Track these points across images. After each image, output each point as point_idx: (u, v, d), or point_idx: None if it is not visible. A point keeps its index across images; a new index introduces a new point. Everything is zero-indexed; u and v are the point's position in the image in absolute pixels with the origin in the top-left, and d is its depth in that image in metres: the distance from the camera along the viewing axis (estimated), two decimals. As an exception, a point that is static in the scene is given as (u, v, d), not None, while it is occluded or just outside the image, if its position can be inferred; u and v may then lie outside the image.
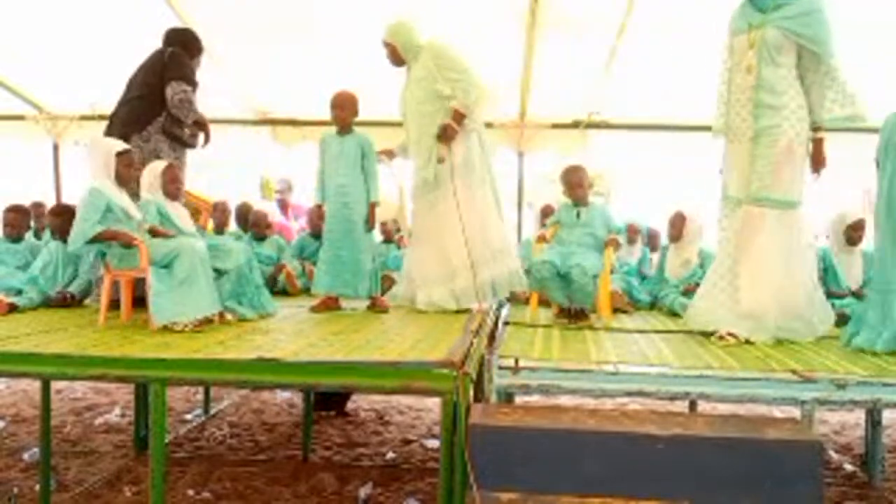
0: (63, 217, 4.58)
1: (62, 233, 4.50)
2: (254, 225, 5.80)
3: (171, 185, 3.93)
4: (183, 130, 4.34)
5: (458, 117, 4.28)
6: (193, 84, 4.34)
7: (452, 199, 4.30)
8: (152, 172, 3.92)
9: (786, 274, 3.55)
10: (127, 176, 3.64)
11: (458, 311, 4.33)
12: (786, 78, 3.52)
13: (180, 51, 4.38)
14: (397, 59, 4.42)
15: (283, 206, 7.36)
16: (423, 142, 4.37)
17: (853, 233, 4.80)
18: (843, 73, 3.52)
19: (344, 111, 4.29)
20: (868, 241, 4.92)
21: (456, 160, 4.33)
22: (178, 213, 3.97)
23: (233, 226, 6.17)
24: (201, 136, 4.47)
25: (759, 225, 3.56)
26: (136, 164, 3.79)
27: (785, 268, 3.55)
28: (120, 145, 3.69)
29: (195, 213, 5.78)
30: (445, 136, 4.28)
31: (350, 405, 5.73)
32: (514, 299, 4.98)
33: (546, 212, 5.70)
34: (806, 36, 3.45)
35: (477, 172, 4.41)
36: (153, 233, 3.70)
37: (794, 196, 3.59)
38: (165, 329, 3.36)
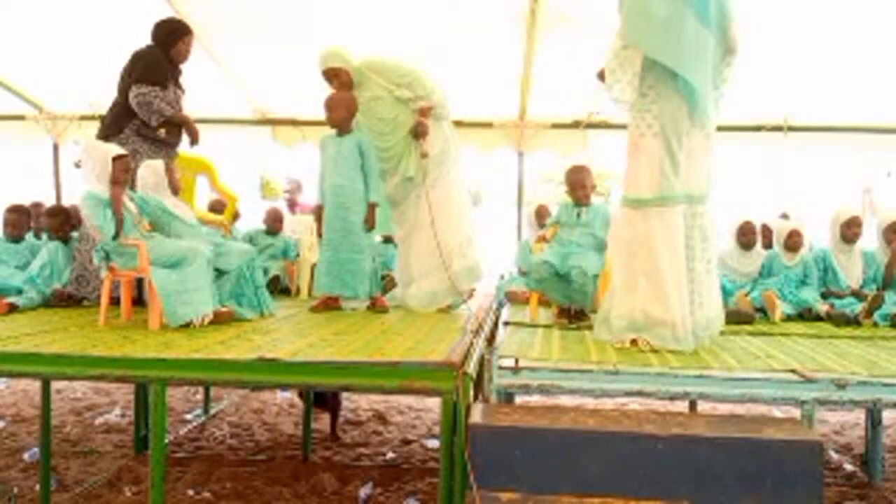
0: (59, 217, 4.59)
1: (58, 233, 4.51)
2: (268, 220, 5.85)
3: (172, 183, 3.95)
4: (157, 131, 4.26)
5: (427, 111, 4.39)
6: (159, 83, 4.20)
7: (435, 190, 4.42)
8: (155, 171, 3.92)
9: (630, 274, 3.31)
10: (123, 180, 3.63)
11: (449, 307, 4.36)
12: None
13: (145, 50, 4.29)
14: (348, 85, 4.41)
15: (292, 205, 7.36)
16: (395, 150, 4.47)
17: (847, 230, 4.81)
18: (610, 56, 3.27)
19: (335, 112, 4.28)
20: (869, 241, 4.93)
21: (432, 151, 4.44)
22: (179, 207, 3.98)
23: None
24: (186, 135, 4.40)
25: (619, 223, 3.40)
26: (132, 167, 3.78)
27: (628, 268, 3.32)
28: (116, 150, 3.68)
29: (221, 208, 5.74)
30: (420, 132, 4.36)
31: (350, 405, 5.73)
32: (513, 299, 4.99)
33: (540, 212, 5.70)
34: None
35: (451, 158, 4.55)
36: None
37: (642, 193, 3.26)
38: (165, 329, 3.37)
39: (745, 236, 4.94)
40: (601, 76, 3.36)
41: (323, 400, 5.03)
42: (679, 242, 3.27)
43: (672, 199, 3.25)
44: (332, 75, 4.41)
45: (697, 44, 3.20)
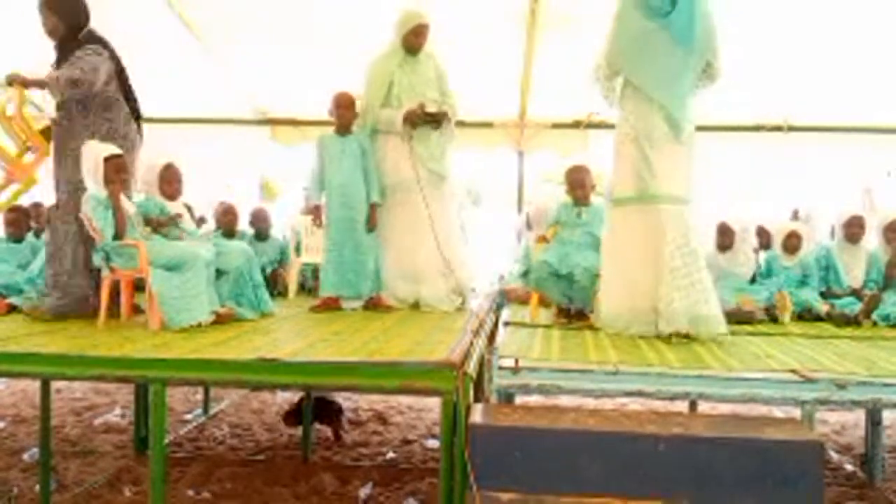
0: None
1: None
2: (254, 223, 5.79)
3: (168, 186, 3.92)
4: None
5: (448, 118, 4.46)
6: None
7: (442, 201, 4.46)
8: (151, 172, 3.92)
9: (612, 269, 3.68)
10: (115, 179, 3.61)
11: (459, 308, 4.37)
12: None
13: None
14: (425, 42, 4.44)
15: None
16: (432, 136, 4.44)
17: (848, 229, 4.81)
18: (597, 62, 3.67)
19: (350, 111, 4.33)
20: (871, 242, 4.93)
21: (445, 168, 4.50)
22: (179, 213, 3.97)
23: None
24: None
25: (606, 222, 3.84)
26: (125, 167, 3.75)
27: (611, 264, 3.70)
28: (108, 150, 3.66)
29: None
30: (439, 117, 4.39)
31: (350, 405, 5.73)
32: (511, 298, 4.99)
33: (529, 222, 5.71)
34: None
35: (454, 183, 4.66)
36: (155, 223, 3.74)
37: (624, 192, 3.62)
38: (165, 329, 3.36)
39: (720, 237, 4.92)
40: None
41: (324, 414, 4.98)
42: (659, 238, 3.49)
43: (651, 198, 3.52)
44: (426, 30, 4.40)
45: (670, 63, 3.47)
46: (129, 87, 3.97)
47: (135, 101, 3.99)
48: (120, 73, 3.90)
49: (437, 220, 4.38)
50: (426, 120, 4.36)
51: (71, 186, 3.72)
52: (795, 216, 5.71)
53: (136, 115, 3.99)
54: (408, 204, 4.47)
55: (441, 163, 4.47)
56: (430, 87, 4.46)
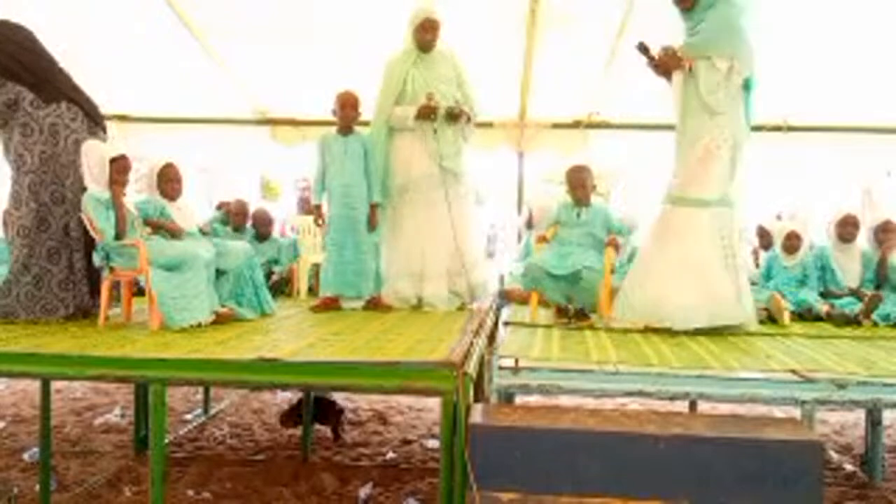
0: None
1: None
2: (255, 224, 5.78)
3: (168, 186, 3.91)
4: None
5: (464, 112, 4.44)
6: None
7: (458, 199, 4.45)
8: (151, 172, 3.92)
9: (662, 264, 3.76)
10: (118, 180, 3.60)
11: (459, 309, 4.37)
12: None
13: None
14: (436, 40, 4.44)
15: (305, 203, 7.32)
16: (448, 133, 4.44)
17: (842, 229, 4.81)
18: (715, 72, 3.65)
19: (355, 110, 4.34)
20: (866, 242, 4.93)
21: (461, 165, 4.52)
22: (179, 213, 3.97)
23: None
24: None
25: (665, 219, 3.82)
26: (128, 168, 3.74)
27: (661, 260, 3.77)
28: (114, 151, 3.65)
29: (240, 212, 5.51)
30: (457, 117, 4.39)
31: (350, 405, 5.73)
32: (511, 298, 4.99)
33: (529, 221, 5.71)
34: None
35: (469, 181, 4.65)
36: (156, 225, 3.74)
37: (707, 195, 3.70)
38: (165, 329, 3.36)
39: None
40: (642, 49, 3.80)
41: (324, 415, 4.98)
42: (724, 238, 3.70)
43: (729, 202, 3.74)
44: (436, 27, 4.39)
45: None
46: (45, 70, 3.84)
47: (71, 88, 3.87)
48: (13, 69, 3.75)
49: (454, 218, 4.37)
50: (445, 116, 4.37)
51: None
52: (779, 219, 5.71)
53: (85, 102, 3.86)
54: (420, 202, 4.46)
55: (456, 160, 4.47)
56: (448, 85, 4.45)
